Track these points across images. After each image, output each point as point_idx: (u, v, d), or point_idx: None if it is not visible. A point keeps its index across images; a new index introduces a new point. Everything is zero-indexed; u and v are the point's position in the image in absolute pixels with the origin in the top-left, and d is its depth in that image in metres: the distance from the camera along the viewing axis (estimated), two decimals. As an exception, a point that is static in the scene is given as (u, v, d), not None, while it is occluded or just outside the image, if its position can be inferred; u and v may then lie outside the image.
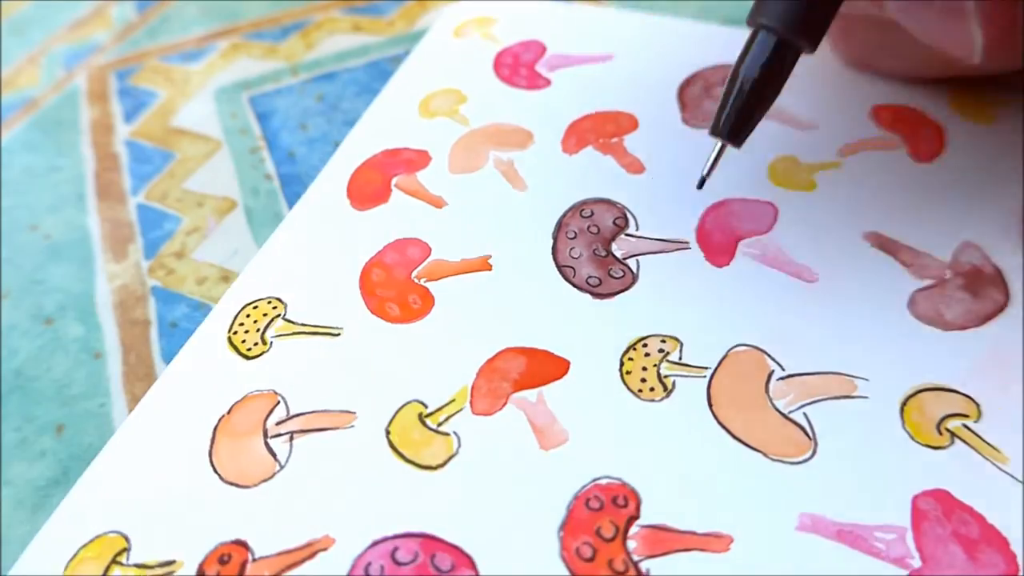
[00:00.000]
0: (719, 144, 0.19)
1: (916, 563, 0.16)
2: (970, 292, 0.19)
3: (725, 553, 0.16)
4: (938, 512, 0.16)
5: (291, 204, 0.24)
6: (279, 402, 0.19)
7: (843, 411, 0.18)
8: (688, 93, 0.25)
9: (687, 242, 0.21)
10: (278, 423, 0.18)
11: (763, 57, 0.18)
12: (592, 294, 0.20)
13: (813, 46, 0.18)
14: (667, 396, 0.18)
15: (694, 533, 0.16)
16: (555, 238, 0.21)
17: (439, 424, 0.18)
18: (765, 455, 0.17)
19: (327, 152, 0.25)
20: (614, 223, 0.21)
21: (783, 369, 0.18)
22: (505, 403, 0.18)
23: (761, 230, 0.21)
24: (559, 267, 0.20)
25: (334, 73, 0.29)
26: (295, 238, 0.22)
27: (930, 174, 0.22)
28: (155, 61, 0.31)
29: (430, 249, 0.21)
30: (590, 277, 0.20)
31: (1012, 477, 0.16)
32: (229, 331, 0.20)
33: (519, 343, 0.19)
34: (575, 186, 0.22)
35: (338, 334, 0.20)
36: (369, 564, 0.16)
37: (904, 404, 0.18)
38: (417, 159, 0.24)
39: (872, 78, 0.24)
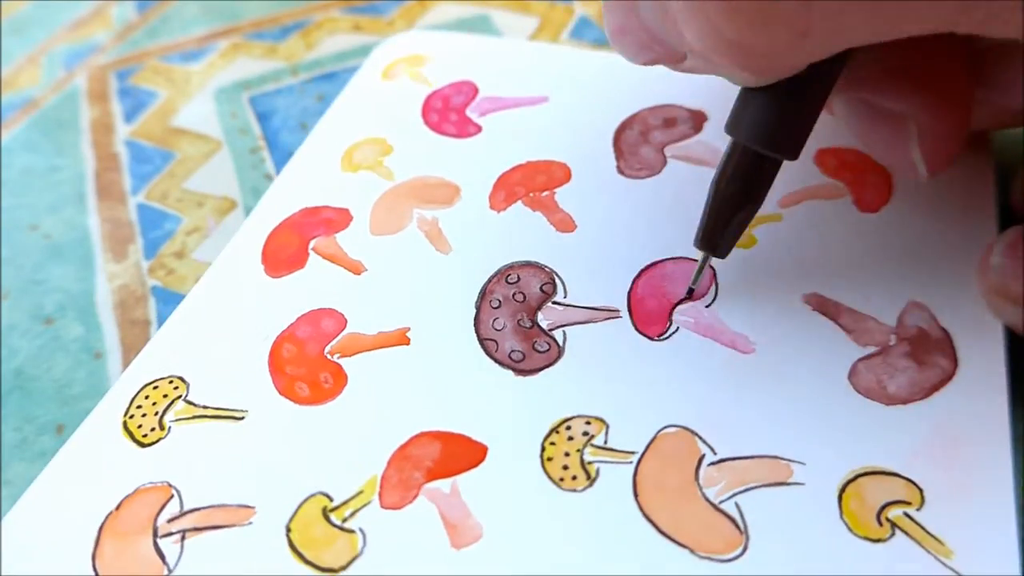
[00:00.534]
0: (703, 256, 0.19)
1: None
2: (915, 360, 0.18)
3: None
4: (876, 617, 0.15)
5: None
6: (173, 496, 0.17)
7: (777, 500, 0.16)
8: (624, 139, 0.23)
9: (617, 310, 0.19)
10: (170, 520, 0.17)
11: (742, 170, 0.18)
12: (515, 370, 0.19)
13: (794, 156, 0.17)
14: (590, 485, 0.17)
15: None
16: (478, 307, 0.20)
17: (344, 520, 0.17)
18: (693, 552, 0.16)
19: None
20: (541, 289, 0.20)
21: (715, 453, 0.17)
22: (416, 495, 0.17)
23: (696, 294, 0.20)
24: (481, 340, 0.19)
25: (334, 73, 0.29)
26: (204, 308, 0.21)
27: (876, 225, 0.21)
28: (155, 61, 0.31)
29: (346, 321, 0.20)
30: (513, 351, 0.19)
31: (956, 573, 0.15)
32: (125, 415, 0.19)
33: (435, 426, 0.18)
34: (502, 247, 0.21)
35: (242, 418, 0.18)
36: None
37: (842, 491, 0.16)
38: (337, 219, 0.22)
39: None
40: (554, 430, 0.18)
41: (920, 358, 0.18)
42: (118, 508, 0.17)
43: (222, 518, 0.17)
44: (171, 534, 0.17)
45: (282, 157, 0.26)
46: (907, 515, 0.16)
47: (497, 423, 0.18)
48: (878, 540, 0.16)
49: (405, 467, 0.17)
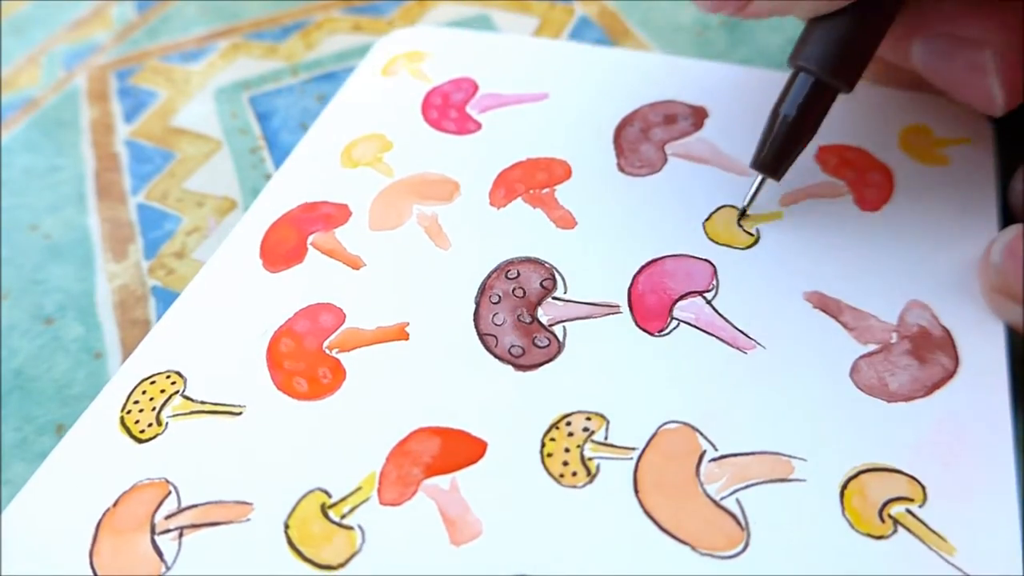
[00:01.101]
0: (759, 177, 0.20)
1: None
2: (916, 358, 0.18)
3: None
4: (878, 614, 0.15)
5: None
6: (170, 492, 0.17)
7: (779, 496, 0.16)
8: (624, 136, 0.23)
9: (618, 306, 0.19)
10: (167, 517, 0.17)
11: (801, 97, 0.19)
12: (514, 365, 0.18)
13: (850, 87, 0.19)
14: (590, 481, 0.17)
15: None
16: (478, 303, 0.20)
17: (343, 516, 0.17)
18: (694, 549, 0.16)
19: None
20: (541, 285, 0.20)
21: (716, 449, 0.17)
22: (415, 491, 0.17)
23: (697, 290, 0.19)
24: (480, 335, 0.19)
25: (334, 73, 0.29)
26: (201, 303, 0.21)
27: (877, 224, 0.21)
28: (155, 61, 0.31)
29: (344, 316, 0.20)
30: (513, 346, 0.19)
31: (959, 570, 0.15)
32: (122, 410, 0.19)
33: (434, 422, 0.18)
34: (502, 243, 0.21)
35: (239, 413, 0.18)
36: None
37: (844, 487, 0.16)
38: (336, 214, 0.22)
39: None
40: (554, 426, 0.17)
41: (921, 356, 0.18)
42: (115, 505, 0.17)
43: (220, 515, 0.17)
44: (169, 531, 0.17)
45: (282, 157, 0.25)
46: (909, 512, 0.16)
47: (497, 419, 0.18)
48: (880, 537, 0.16)
49: (404, 463, 0.17)
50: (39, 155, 0.27)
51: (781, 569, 0.15)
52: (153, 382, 0.19)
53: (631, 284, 0.20)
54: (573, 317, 0.19)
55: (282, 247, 0.21)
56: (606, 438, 0.17)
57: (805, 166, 0.22)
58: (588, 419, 0.18)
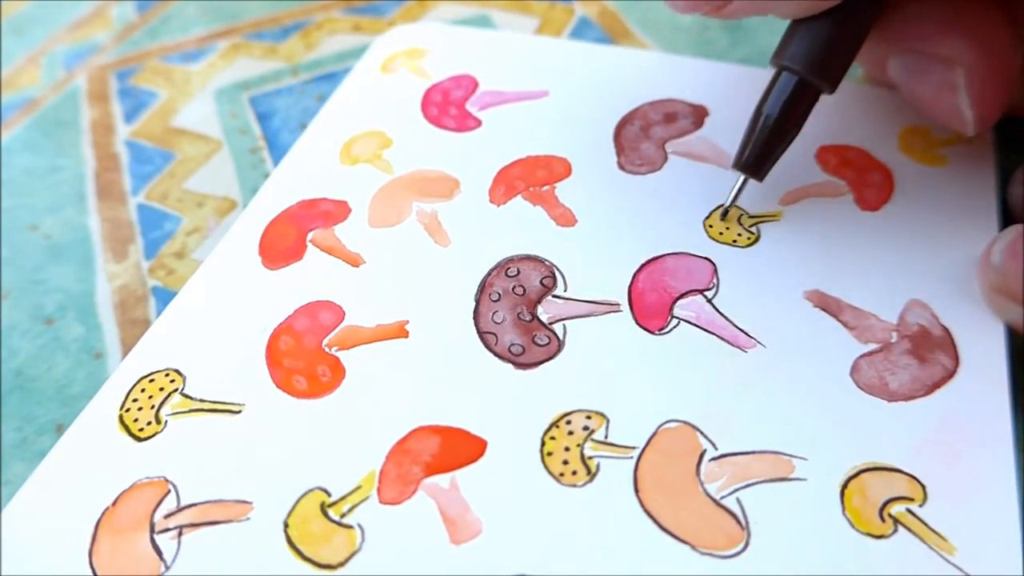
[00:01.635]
0: (742, 177, 0.20)
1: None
2: (916, 357, 0.18)
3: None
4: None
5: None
6: (169, 491, 0.17)
7: (779, 496, 0.16)
8: (624, 134, 0.23)
9: (618, 304, 0.19)
10: (167, 516, 0.17)
11: (784, 96, 0.19)
12: (514, 364, 0.18)
13: (833, 87, 0.19)
14: (590, 480, 0.17)
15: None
16: (477, 300, 0.20)
17: (342, 515, 0.17)
18: (694, 548, 0.16)
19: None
20: (541, 283, 0.20)
21: (716, 448, 0.17)
22: (415, 490, 0.17)
23: (698, 289, 0.19)
24: (480, 333, 0.19)
25: (334, 73, 0.29)
26: (200, 300, 0.20)
27: (877, 224, 0.21)
28: (155, 61, 0.31)
29: (344, 313, 0.20)
30: (513, 345, 0.19)
31: (959, 570, 0.15)
32: (121, 408, 0.19)
33: (434, 421, 0.18)
34: (502, 241, 0.21)
35: (239, 411, 0.18)
36: None
37: (844, 487, 0.16)
38: (336, 211, 0.22)
39: (817, 115, 0.23)
40: (554, 424, 0.17)
41: (922, 355, 0.18)
42: (115, 504, 0.17)
43: (219, 514, 0.17)
44: (168, 530, 0.17)
45: (282, 157, 0.25)
46: (910, 511, 0.16)
47: (497, 417, 0.18)
48: (880, 536, 0.16)
49: (404, 462, 0.17)
50: (39, 155, 0.27)
51: (781, 568, 0.15)
52: (152, 380, 0.19)
53: (631, 282, 0.20)
54: (573, 315, 0.19)
55: (281, 244, 0.21)
56: (606, 437, 0.17)
57: (805, 166, 0.22)
58: (588, 418, 0.18)
